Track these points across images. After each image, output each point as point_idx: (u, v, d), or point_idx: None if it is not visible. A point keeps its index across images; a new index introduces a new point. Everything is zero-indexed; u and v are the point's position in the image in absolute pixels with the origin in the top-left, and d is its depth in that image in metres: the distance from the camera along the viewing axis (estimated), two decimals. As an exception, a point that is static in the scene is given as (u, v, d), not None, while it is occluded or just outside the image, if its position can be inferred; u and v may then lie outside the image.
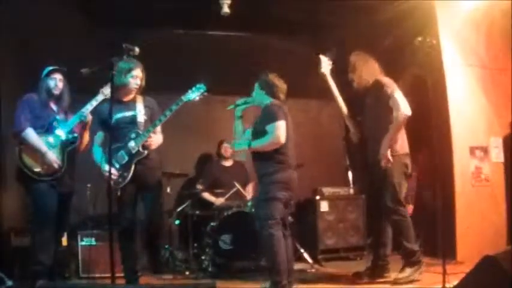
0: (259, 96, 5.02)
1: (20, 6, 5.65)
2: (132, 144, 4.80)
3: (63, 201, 4.95)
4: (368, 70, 5.29)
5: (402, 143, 5.15)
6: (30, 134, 4.80)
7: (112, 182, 4.51)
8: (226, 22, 6.37)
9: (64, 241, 5.40)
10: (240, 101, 5.16)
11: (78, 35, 6.37)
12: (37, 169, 4.80)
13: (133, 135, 4.82)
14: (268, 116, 4.78)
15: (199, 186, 6.73)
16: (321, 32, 6.94)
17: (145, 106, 4.98)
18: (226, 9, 6.12)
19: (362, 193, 6.88)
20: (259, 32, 6.93)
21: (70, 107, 5.16)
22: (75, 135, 5.05)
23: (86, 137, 5.19)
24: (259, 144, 4.76)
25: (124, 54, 4.29)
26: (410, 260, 5.01)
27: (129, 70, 4.83)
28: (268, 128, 4.72)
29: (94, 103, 4.96)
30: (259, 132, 4.81)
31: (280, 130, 4.67)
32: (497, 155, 6.31)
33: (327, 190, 6.86)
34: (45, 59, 5.31)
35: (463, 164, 6.19)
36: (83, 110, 4.97)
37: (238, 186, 6.73)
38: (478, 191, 6.19)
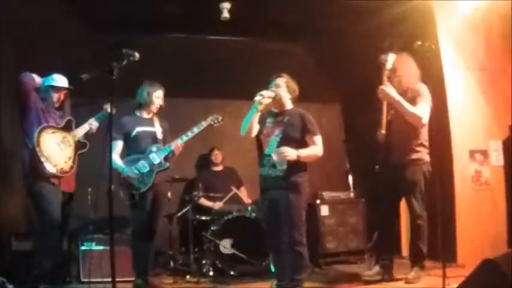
0: (285, 96, 4.93)
1: (20, 10, 5.67)
2: (153, 156, 5.36)
3: (66, 201, 5.07)
4: (409, 75, 5.28)
5: (426, 152, 5.28)
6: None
7: (133, 186, 5.23)
8: (226, 27, 6.40)
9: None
10: (267, 92, 4.84)
11: (78, 39, 6.39)
12: (54, 163, 4.94)
13: (154, 149, 5.40)
14: (311, 126, 4.81)
15: (196, 193, 6.77)
16: (319, 35, 6.96)
17: (161, 126, 5.59)
18: (226, 14, 6.15)
19: (362, 197, 6.89)
20: (258, 37, 6.95)
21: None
22: (86, 142, 5.34)
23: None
24: (307, 153, 4.74)
25: (124, 59, 4.30)
26: (422, 262, 5.22)
27: (154, 91, 5.48)
28: (315, 139, 4.78)
29: (101, 117, 5.41)
30: (293, 139, 4.78)
31: (321, 143, 4.82)
32: (497, 158, 6.31)
33: (327, 194, 6.85)
34: (44, 63, 5.34)
35: (462, 167, 6.19)
36: (92, 121, 5.39)
37: (235, 189, 6.83)
38: (478, 194, 6.19)
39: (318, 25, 6.78)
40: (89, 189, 6.16)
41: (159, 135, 5.52)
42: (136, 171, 5.26)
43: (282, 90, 4.87)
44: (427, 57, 4.76)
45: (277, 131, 4.81)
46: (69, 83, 5.21)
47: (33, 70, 5.10)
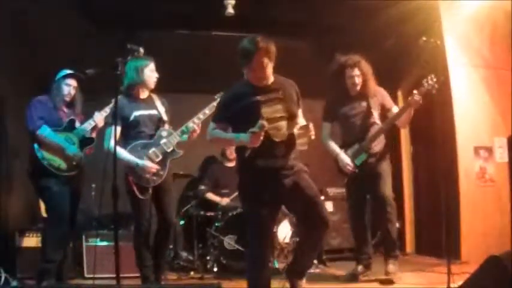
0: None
1: (24, 7, 5.68)
2: (165, 142, 4.85)
3: (74, 197, 5.04)
4: (373, 78, 5.33)
5: None
6: (46, 131, 4.88)
7: (147, 177, 4.73)
8: (230, 23, 6.39)
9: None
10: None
11: (82, 35, 6.39)
12: (57, 163, 4.90)
13: (164, 133, 4.89)
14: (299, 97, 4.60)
15: (202, 187, 6.75)
16: (324, 33, 6.94)
17: (163, 104, 5.05)
18: (230, 10, 6.14)
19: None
20: (263, 33, 6.92)
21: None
22: (93, 137, 5.20)
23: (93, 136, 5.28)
24: None
25: (129, 55, 4.30)
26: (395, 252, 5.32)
27: (146, 66, 4.86)
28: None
29: (108, 110, 5.08)
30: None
31: None
32: (501, 155, 6.31)
33: (332, 190, 6.86)
34: (49, 60, 5.34)
35: (467, 164, 6.19)
36: (97, 115, 5.13)
37: None
38: (483, 191, 6.19)
39: (323, 23, 6.76)
40: (93, 185, 6.17)
41: (164, 116, 4.99)
42: (149, 161, 4.76)
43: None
44: (432, 53, 4.76)
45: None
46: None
47: (37, 71, 5.09)
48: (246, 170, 4.03)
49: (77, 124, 5.12)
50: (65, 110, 5.14)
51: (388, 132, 5.42)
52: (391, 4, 6.10)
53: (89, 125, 5.12)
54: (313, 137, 3.98)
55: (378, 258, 5.67)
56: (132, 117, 4.79)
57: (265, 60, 3.86)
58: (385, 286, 5.03)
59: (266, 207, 3.93)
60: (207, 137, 4.12)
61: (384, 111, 5.37)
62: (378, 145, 5.30)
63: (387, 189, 5.27)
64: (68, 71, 5.07)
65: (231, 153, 7.09)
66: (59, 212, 4.86)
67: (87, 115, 5.22)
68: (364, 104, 5.32)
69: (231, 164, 7.16)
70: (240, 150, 4.01)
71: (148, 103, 4.97)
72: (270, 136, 3.83)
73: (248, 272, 4.10)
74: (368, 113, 5.29)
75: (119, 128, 4.69)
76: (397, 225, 6.95)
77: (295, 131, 4.01)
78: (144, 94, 4.97)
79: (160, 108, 4.99)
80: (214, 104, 4.92)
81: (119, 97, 4.64)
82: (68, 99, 5.12)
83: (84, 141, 5.13)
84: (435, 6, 6.28)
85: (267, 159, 3.88)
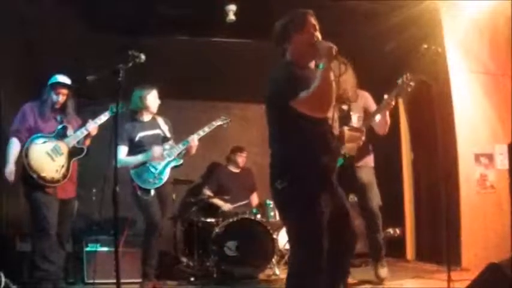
0: None
1: (23, 11, 5.69)
2: (167, 152, 5.47)
3: (65, 207, 5.04)
4: (352, 80, 5.32)
5: None
6: (11, 145, 4.89)
7: (151, 181, 5.36)
8: (231, 29, 6.40)
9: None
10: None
11: (83, 41, 6.40)
12: (43, 174, 4.85)
13: (167, 147, 5.47)
14: None
15: (206, 192, 6.76)
16: (324, 39, 6.95)
17: (166, 123, 5.64)
18: (231, 17, 6.15)
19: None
20: (264, 39, 6.93)
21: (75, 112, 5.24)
22: (83, 147, 5.12)
23: (87, 143, 5.24)
24: None
25: (129, 61, 4.30)
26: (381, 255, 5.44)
27: (149, 93, 5.46)
28: None
29: (103, 118, 5.12)
30: None
31: None
32: (502, 162, 6.28)
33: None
34: (47, 64, 5.34)
35: (468, 171, 6.18)
36: (90, 123, 5.09)
37: (246, 201, 6.88)
38: (483, 198, 6.17)
39: (324, 28, 6.77)
40: (94, 190, 6.18)
41: (168, 134, 5.58)
42: (154, 169, 5.40)
43: None
44: (433, 59, 4.76)
45: None
46: (75, 84, 5.18)
47: (35, 74, 5.09)
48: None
49: (69, 132, 5.08)
50: (56, 116, 5.11)
51: (375, 141, 5.46)
52: (393, 9, 6.11)
53: (81, 133, 5.07)
54: None
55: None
56: (137, 138, 5.42)
57: None
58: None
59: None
60: None
61: (367, 114, 5.37)
62: (355, 150, 5.24)
63: (375, 201, 5.36)
64: (59, 79, 5.05)
65: (242, 160, 7.12)
66: (43, 225, 4.84)
67: (87, 119, 5.20)
68: (344, 107, 5.27)
69: (237, 170, 7.19)
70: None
71: (152, 124, 5.57)
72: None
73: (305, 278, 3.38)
74: (347, 116, 5.27)
75: (126, 148, 5.40)
76: (398, 231, 7.05)
77: None
78: (148, 117, 5.57)
79: (163, 127, 5.58)
80: (214, 123, 5.62)
81: (128, 123, 5.47)
82: (57, 106, 5.09)
83: (74, 152, 5.08)
84: (436, 12, 6.28)
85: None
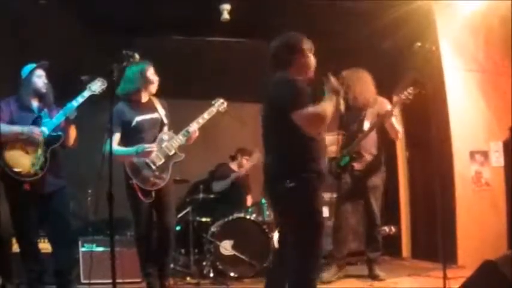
0: None
1: (20, 12, 5.67)
2: (167, 145, 4.85)
3: (48, 201, 4.71)
4: (362, 87, 5.44)
5: None
6: (2, 126, 4.50)
7: (151, 180, 4.74)
8: (226, 28, 6.40)
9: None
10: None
11: (78, 41, 6.39)
12: (18, 169, 4.54)
13: (166, 137, 4.88)
14: None
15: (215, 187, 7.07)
16: (319, 38, 6.95)
17: (163, 107, 5.02)
18: (226, 16, 6.15)
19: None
20: (258, 38, 6.95)
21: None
22: (60, 133, 4.72)
23: (73, 132, 4.86)
24: None
25: (124, 61, 4.27)
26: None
27: (147, 69, 4.88)
28: None
29: (80, 99, 4.69)
30: None
31: None
32: (497, 159, 6.31)
33: (327, 195, 6.85)
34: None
35: (463, 168, 6.19)
36: (68, 106, 4.67)
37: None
38: (479, 195, 6.19)
39: (318, 28, 6.77)
40: (89, 191, 6.16)
41: (165, 119, 4.97)
42: (152, 165, 4.77)
43: None
44: (427, 58, 4.78)
45: None
46: (69, 84, 5.07)
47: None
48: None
49: (46, 120, 4.70)
50: (34, 105, 4.78)
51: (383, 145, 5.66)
52: (386, 8, 6.12)
53: (57, 120, 4.68)
54: None
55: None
56: (134, 123, 4.79)
57: None
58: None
59: None
60: None
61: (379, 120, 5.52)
62: (367, 153, 5.53)
63: (377, 206, 5.53)
64: (36, 64, 4.79)
65: (247, 162, 7.20)
66: (20, 226, 4.71)
67: (85, 119, 4.92)
68: (361, 113, 5.54)
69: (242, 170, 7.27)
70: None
71: (150, 107, 4.95)
72: None
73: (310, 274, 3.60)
74: (362, 121, 5.53)
75: (118, 134, 4.74)
76: (393, 229, 7.08)
77: None
78: (145, 98, 4.96)
79: (161, 111, 4.97)
80: (213, 109, 5.04)
81: (119, 103, 4.78)
82: (44, 90, 4.76)
83: (51, 140, 4.68)
84: (430, 11, 6.29)
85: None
